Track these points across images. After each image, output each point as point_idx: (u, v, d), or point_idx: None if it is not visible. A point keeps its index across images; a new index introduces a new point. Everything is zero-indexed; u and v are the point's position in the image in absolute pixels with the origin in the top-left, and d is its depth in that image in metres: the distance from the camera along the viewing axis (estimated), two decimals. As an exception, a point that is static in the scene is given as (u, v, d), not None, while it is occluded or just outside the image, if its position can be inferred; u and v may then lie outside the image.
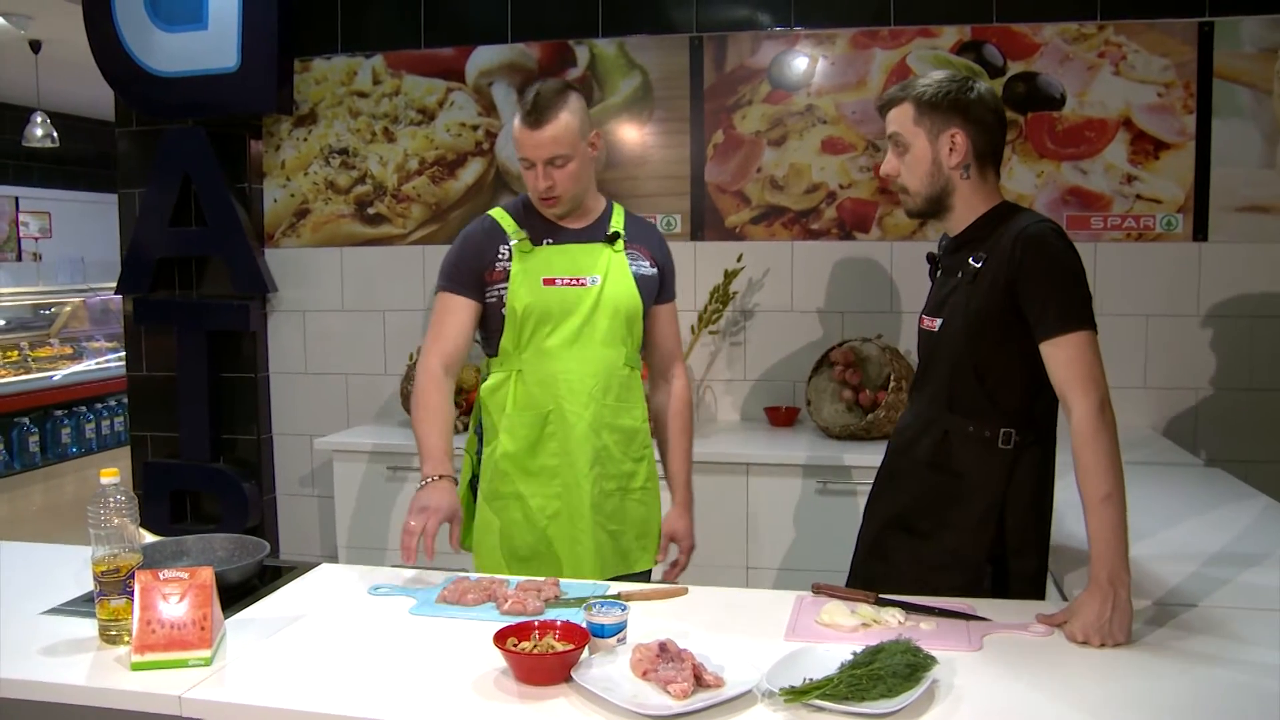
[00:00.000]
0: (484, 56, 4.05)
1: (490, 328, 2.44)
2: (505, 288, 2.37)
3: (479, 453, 2.48)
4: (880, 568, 2.19)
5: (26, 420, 6.19)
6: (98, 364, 6.82)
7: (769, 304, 3.90)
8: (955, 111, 2.00)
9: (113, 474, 1.78)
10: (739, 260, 3.77)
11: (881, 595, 1.92)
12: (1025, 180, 3.65)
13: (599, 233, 2.44)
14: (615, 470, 2.44)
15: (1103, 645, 1.69)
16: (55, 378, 6.57)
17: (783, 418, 3.84)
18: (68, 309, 7.30)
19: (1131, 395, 3.62)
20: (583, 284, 2.38)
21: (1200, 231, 3.57)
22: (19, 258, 9.29)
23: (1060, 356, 1.86)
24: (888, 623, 1.80)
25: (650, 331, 2.55)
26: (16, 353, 6.72)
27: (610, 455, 2.42)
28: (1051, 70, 3.61)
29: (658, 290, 2.51)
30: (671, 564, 2.58)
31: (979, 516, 2.05)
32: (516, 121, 2.33)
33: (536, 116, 2.29)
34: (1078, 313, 1.87)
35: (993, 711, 1.49)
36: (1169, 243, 3.60)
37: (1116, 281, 3.61)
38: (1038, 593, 2.08)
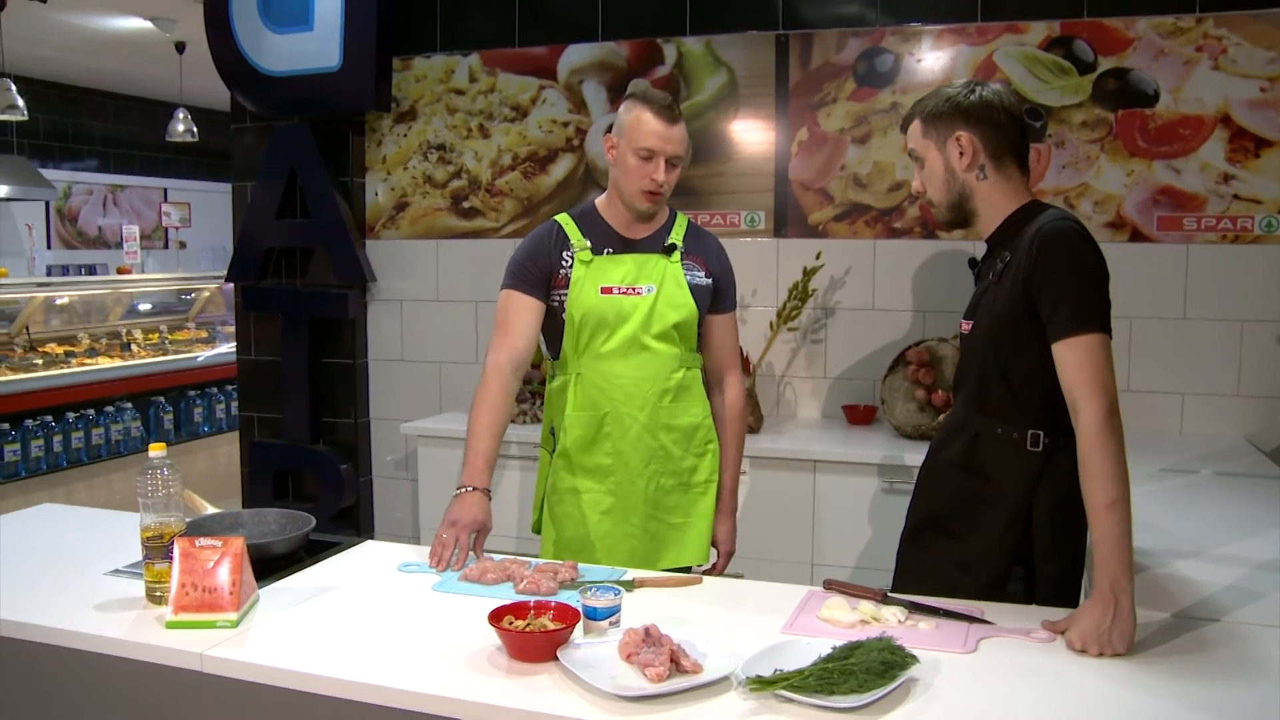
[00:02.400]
0: (575, 55, 4.14)
1: (552, 332, 2.53)
2: (566, 294, 2.46)
3: (552, 450, 2.57)
4: (915, 566, 2.21)
5: (162, 399, 6.58)
6: (229, 348, 7.16)
7: (850, 302, 3.88)
8: (956, 115, 2.01)
9: (160, 448, 1.93)
10: (818, 258, 3.76)
11: (890, 594, 1.93)
12: (1114, 179, 3.54)
13: (658, 243, 2.51)
14: (674, 467, 2.51)
15: (1101, 655, 1.66)
16: (195, 360, 6.96)
17: (860, 416, 3.82)
18: (205, 294, 7.69)
19: (1222, 403, 3.47)
20: (638, 293, 2.45)
21: (1305, 234, 3.41)
22: (165, 245, 9.88)
23: (1071, 358, 1.82)
24: (887, 620, 1.81)
25: (705, 340, 2.60)
26: (156, 335, 7.14)
27: (669, 454, 2.50)
28: (1145, 66, 3.48)
29: (712, 299, 2.55)
30: (710, 567, 2.61)
31: (1007, 518, 2.04)
32: (640, 113, 2.38)
33: (674, 112, 2.39)
34: (1091, 314, 1.83)
35: (964, 713, 1.49)
36: (1269, 245, 3.43)
37: (1209, 285, 3.47)
38: (1068, 598, 2.05)
